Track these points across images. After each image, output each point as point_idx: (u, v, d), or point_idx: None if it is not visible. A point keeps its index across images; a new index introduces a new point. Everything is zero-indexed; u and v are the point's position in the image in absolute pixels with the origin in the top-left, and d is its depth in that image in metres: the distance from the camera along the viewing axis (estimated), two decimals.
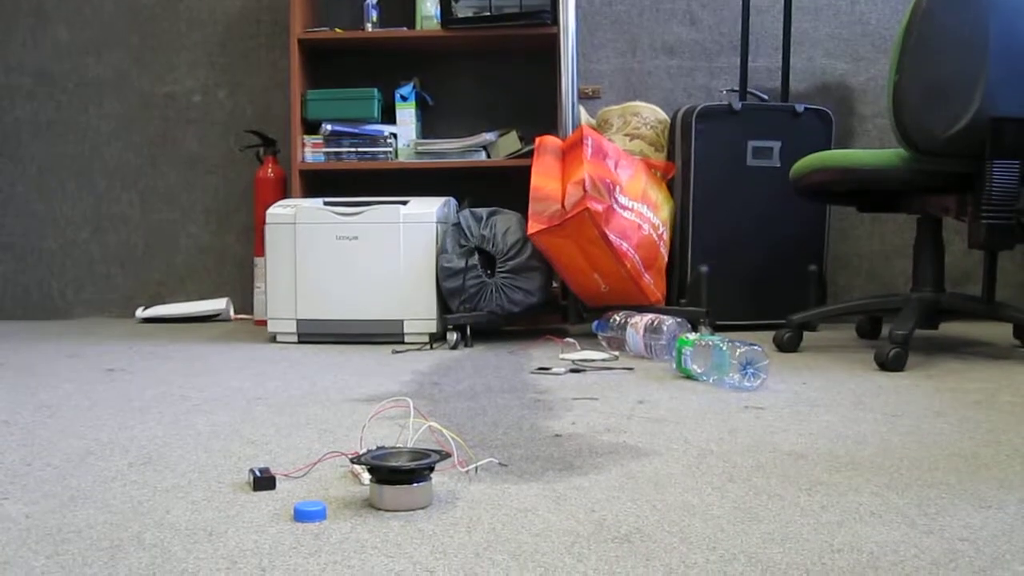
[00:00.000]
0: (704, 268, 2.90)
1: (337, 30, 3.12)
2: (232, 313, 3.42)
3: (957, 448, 1.40)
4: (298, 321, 2.71)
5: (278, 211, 2.74)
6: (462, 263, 2.64)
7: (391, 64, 3.37)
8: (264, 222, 2.76)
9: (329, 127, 3.10)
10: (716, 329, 2.64)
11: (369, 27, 3.13)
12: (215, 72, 3.48)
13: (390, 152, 3.12)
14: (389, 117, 3.19)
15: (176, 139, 3.51)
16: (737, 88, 3.19)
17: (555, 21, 2.95)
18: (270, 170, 3.26)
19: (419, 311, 2.67)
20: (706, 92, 3.32)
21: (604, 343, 2.50)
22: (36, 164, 3.54)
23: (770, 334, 2.58)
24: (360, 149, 3.11)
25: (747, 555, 0.95)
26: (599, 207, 2.51)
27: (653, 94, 3.32)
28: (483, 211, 2.72)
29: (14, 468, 1.32)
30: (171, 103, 3.50)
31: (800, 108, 2.95)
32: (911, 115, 2.14)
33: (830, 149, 2.85)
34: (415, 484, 1.11)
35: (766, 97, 3.15)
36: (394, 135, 3.13)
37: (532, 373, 2.12)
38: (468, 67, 3.39)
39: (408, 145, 3.14)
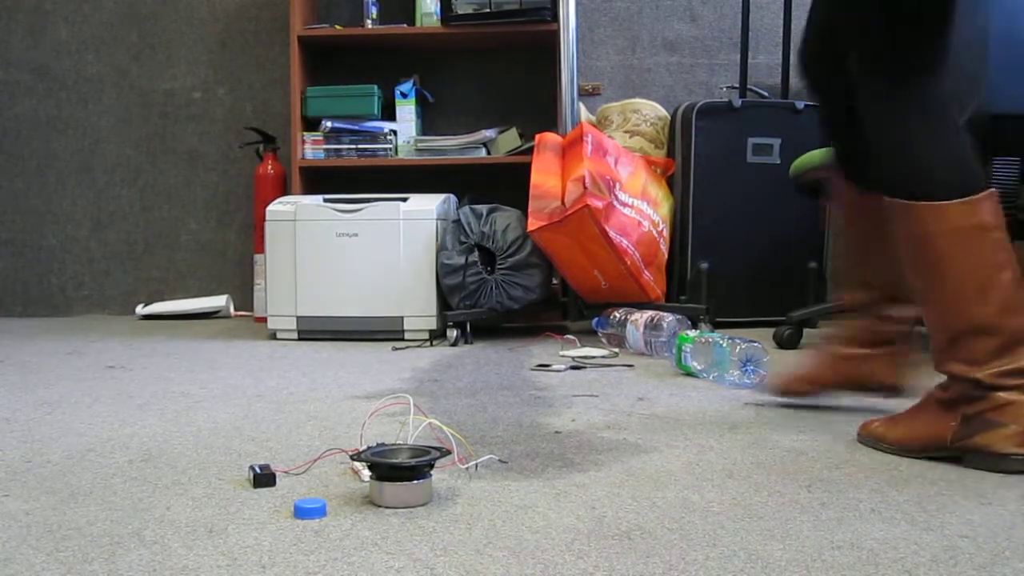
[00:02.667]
0: (704, 265, 2.90)
1: (337, 27, 3.12)
2: (232, 310, 3.42)
3: None
4: (298, 318, 2.71)
5: (278, 208, 2.74)
6: (462, 260, 2.64)
7: (391, 61, 3.36)
8: (264, 219, 2.76)
9: (329, 124, 3.09)
10: (716, 326, 2.64)
11: (369, 24, 3.13)
12: (215, 69, 3.48)
13: (390, 149, 3.11)
14: (389, 114, 3.18)
15: (176, 136, 3.51)
16: (737, 85, 3.19)
17: (555, 18, 2.95)
18: (270, 167, 3.26)
19: (419, 308, 2.67)
20: (706, 89, 3.32)
21: (604, 340, 2.50)
22: (36, 160, 3.54)
23: (770, 331, 2.58)
24: (360, 146, 3.11)
25: (747, 552, 0.95)
26: (599, 204, 2.51)
27: (653, 91, 3.32)
28: (483, 208, 2.72)
29: (14, 465, 1.32)
30: (171, 100, 3.50)
31: (800, 105, 2.94)
32: None
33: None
34: (415, 481, 1.11)
35: (766, 94, 3.14)
36: (394, 132, 3.13)
37: (532, 370, 2.12)
38: (468, 64, 3.39)
39: (408, 142, 3.14)
